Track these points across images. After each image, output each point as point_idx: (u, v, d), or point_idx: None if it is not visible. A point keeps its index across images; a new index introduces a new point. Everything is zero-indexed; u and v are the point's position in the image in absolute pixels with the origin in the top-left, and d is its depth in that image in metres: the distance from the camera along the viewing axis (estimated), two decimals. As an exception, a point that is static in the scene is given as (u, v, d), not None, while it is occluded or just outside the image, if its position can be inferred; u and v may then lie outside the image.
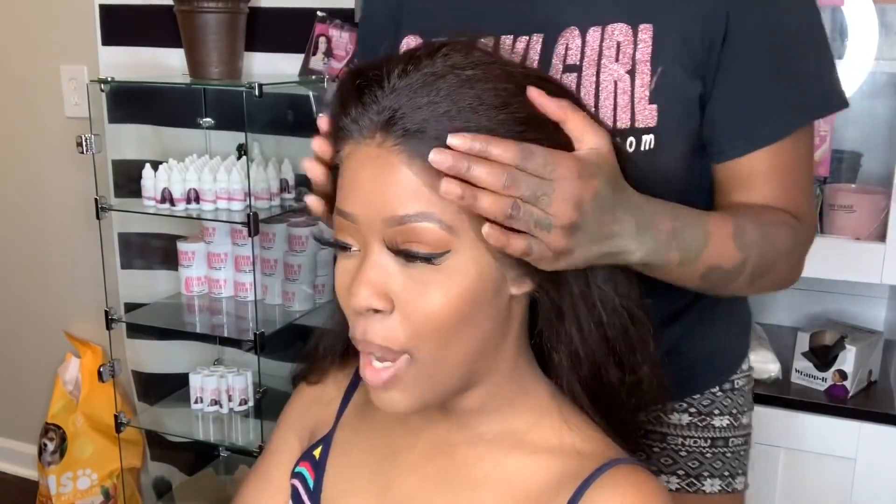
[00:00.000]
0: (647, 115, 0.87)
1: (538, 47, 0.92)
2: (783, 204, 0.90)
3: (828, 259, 1.64)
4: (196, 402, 2.12)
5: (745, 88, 0.89)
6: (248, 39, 2.04)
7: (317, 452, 0.87)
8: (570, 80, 0.89)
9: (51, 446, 2.43)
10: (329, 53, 2.01)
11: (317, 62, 2.03)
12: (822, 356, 1.75)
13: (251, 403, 2.13)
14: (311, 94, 2.00)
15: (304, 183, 2.04)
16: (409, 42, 0.98)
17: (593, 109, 0.88)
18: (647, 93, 0.87)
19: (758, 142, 0.89)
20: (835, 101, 0.94)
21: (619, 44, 0.88)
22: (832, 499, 1.70)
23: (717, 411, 1.07)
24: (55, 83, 2.39)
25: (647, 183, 0.81)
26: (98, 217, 1.96)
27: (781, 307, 1.99)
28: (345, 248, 0.73)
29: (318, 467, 0.86)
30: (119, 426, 2.10)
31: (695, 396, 1.06)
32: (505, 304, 0.74)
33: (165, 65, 2.19)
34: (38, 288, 2.63)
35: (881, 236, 1.64)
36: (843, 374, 1.72)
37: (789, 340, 1.82)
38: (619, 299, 0.78)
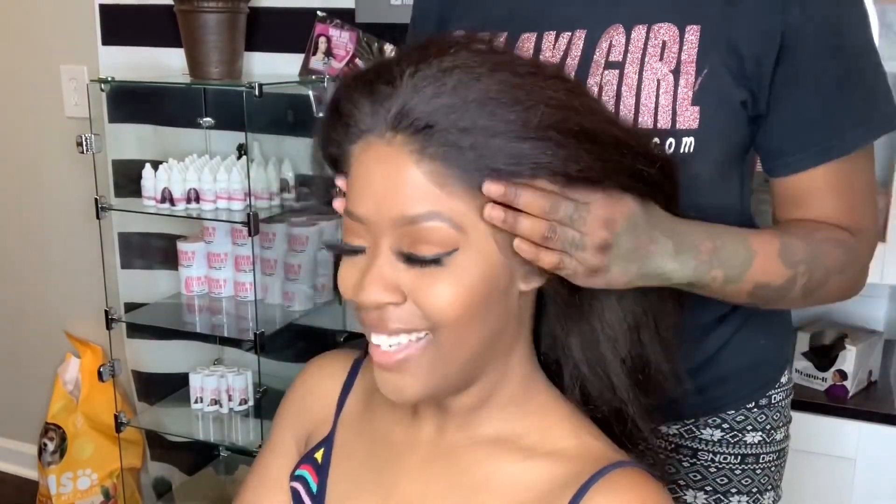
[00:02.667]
0: (689, 116, 0.86)
1: (580, 43, 0.91)
2: (841, 220, 0.89)
3: (828, 259, 1.63)
4: (196, 401, 2.12)
5: (811, 103, 0.87)
6: (248, 39, 2.04)
7: (318, 455, 0.87)
8: (611, 76, 0.89)
9: (51, 446, 2.43)
10: (329, 53, 2.01)
11: (317, 62, 2.03)
12: (822, 356, 1.75)
13: (251, 403, 2.12)
14: (311, 94, 2.00)
15: (304, 183, 2.04)
16: None
17: (631, 109, 0.87)
18: (691, 94, 0.86)
19: (824, 156, 0.88)
20: (894, 120, 0.92)
21: (664, 43, 0.87)
22: (832, 499, 1.70)
23: (749, 427, 1.04)
24: (55, 83, 2.39)
25: (685, 187, 0.81)
26: (98, 217, 1.96)
27: (781, 307, 1.99)
28: (357, 251, 0.73)
29: (322, 471, 0.86)
30: (119, 426, 2.10)
31: (729, 412, 1.03)
32: (515, 301, 0.74)
33: (165, 65, 2.19)
34: (38, 288, 2.63)
35: (881, 236, 1.64)
36: (843, 374, 1.72)
37: (789, 340, 1.82)
38: (633, 302, 0.79)
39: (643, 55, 0.88)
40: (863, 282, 0.94)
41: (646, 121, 0.87)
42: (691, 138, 0.86)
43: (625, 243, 0.74)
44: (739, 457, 1.04)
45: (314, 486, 0.85)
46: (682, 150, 0.87)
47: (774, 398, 1.05)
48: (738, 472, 1.04)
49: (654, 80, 0.87)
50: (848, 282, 0.91)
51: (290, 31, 2.05)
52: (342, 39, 2.00)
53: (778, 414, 1.06)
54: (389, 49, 1.96)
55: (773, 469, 1.07)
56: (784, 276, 0.84)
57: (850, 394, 1.72)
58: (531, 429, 0.78)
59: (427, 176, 0.68)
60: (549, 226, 0.69)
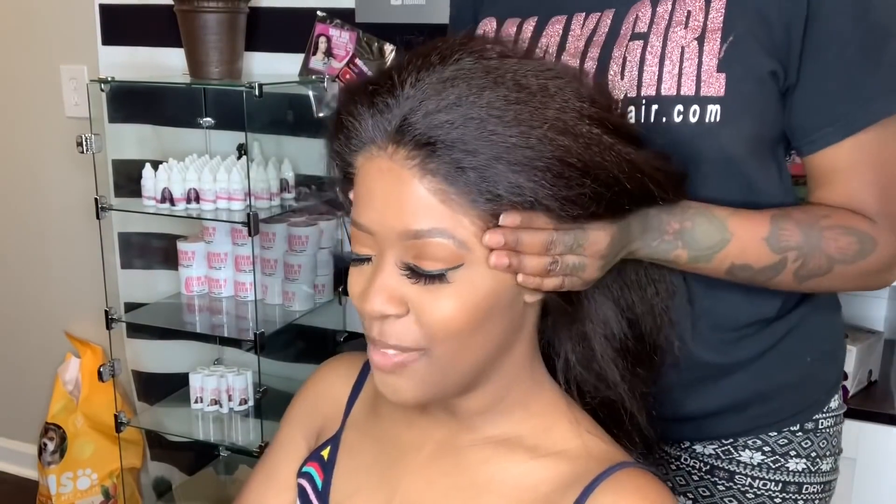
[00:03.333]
0: (715, 84, 0.85)
1: (608, 21, 0.91)
2: (867, 202, 0.86)
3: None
4: (196, 401, 2.12)
5: (836, 73, 0.85)
6: (248, 39, 2.03)
7: (325, 453, 0.87)
8: (636, 46, 0.88)
9: (51, 446, 2.43)
10: (329, 53, 2.01)
11: (317, 62, 2.03)
12: (822, 356, 1.74)
13: (251, 403, 2.12)
14: (311, 94, 2.00)
15: (304, 183, 2.04)
16: (487, 25, 0.99)
17: (655, 77, 0.86)
18: (716, 61, 0.84)
19: (849, 129, 0.85)
20: None
21: (689, 12, 0.86)
22: (832, 499, 1.69)
23: (793, 453, 0.98)
24: (55, 83, 2.39)
25: (708, 159, 0.82)
26: (98, 217, 1.96)
27: (781, 307, 1.99)
28: (364, 260, 0.73)
29: (327, 468, 0.86)
30: (119, 426, 2.10)
31: (771, 434, 0.97)
32: (519, 313, 0.74)
33: (165, 65, 2.19)
34: (38, 288, 2.63)
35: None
36: (843, 374, 1.72)
37: (789, 340, 1.81)
38: (620, 293, 0.81)
39: (668, 24, 0.87)
40: (889, 276, 0.89)
41: (670, 88, 0.85)
42: (717, 106, 0.84)
43: (616, 249, 0.76)
44: (781, 484, 0.98)
45: (320, 483, 0.86)
46: (707, 119, 0.85)
47: (822, 423, 0.99)
48: (777, 500, 0.98)
49: (678, 48, 0.86)
50: (863, 273, 0.87)
51: (290, 31, 2.05)
52: (342, 39, 2.00)
53: (825, 441, 0.99)
54: (389, 49, 1.96)
55: (816, 502, 1.00)
56: (768, 260, 0.84)
57: (850, 394, 1.72)
58: (536, 429, 0.78)
59: (430, 191, 0.67)
60: (552, 260, 0.71)
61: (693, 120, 0.84)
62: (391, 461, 0.83)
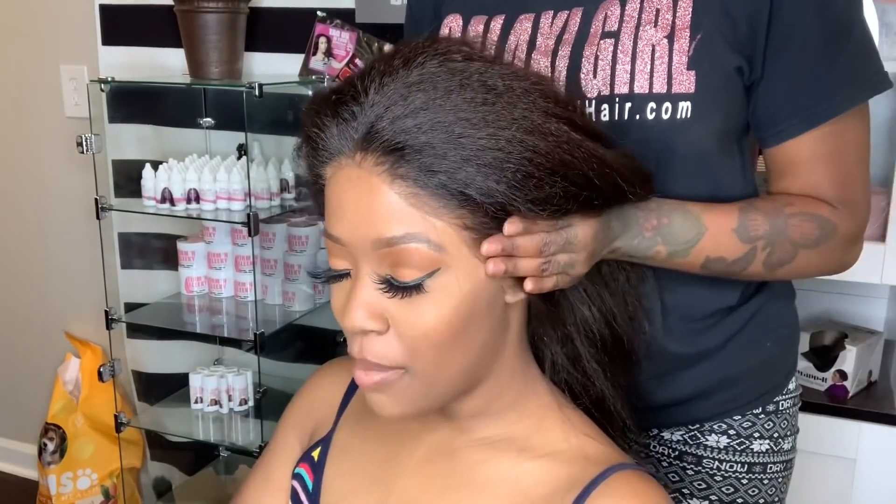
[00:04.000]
0: (685, 81, 0.86)
1: (577, 19, 0.92)
2: (828, 191, 0.89)
3: (828, 259, 1.64)
4: (196, 402, 2.12)
5: (798, 67, 0.87)
6: (248, 39, 2.03)
7: (315, 454, 0.87)
8: (607, 45, 0.89)
9: (51, 446, 2.43)
10: (329, 53, 2.01)
11: (317, 62, 2.03)
12: (822, 356, 1.75)
13: (251, 403, 2.12)
14: (311, 94, 2.00)
15: (303, 183, 2.04)
16: (452, 22, 0.99)
17: (627, 75, 0.87)
18: (686, 59, 0.86)
19: (813, 121, 0.88)
20: (882, 82, 0.91)
21: (658, 10, 0.88)
22: (832, 499, 1.70)
23: (757, 435, 1.02)
24: (55, 83, 2.39)
25: (680, 154, 0.85)
26: (98, 217, 1.96)
27: (781, 307, 1.99)
28: (339, 277, 0.72)
29: (317, 469, 0.86)
30: (119, 426, 2.10)
31: (735, 418, 1.02)
32: (501, 313, 0.74)
33: (165, 65, 2.19)
34: (38, 288, 2.63)
35: (881, 236, 1.64)
36: (843, 374, 1.72)
37: (789, 340, 1.81)
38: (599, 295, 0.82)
39: (638, 23, 0.88)
40: (849, 258, 0.93)
41: (642, 86, 0.87)
42: (688, 103, 0.86)
43: (601, 244, 0.78)
44: (746, 465, 1.02)
45: (310, 485, 0.85)
46: (678, 116, 0.87)
47: (782, 405, 1.04)
48: (744, 481, 1.02)
49: (649, 46, 0.87)
50: (824, 257, 0.90)
51: (290, 31, 2.05)
52: (342, 39, 2.00)
53: (786, 422, 1.04)
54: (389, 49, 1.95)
55: (780, 480, 1.05)
56: (739, 251, 0.86)
57: (851, 394, 1.73)
58: (530, 431, 0.78)
59: (401, 196, 0.67)
60: (545, 260, 0.72)
61: (665, 117, 0.86)
62: (384, 462, 0.83)
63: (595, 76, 0.89)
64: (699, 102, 0.86)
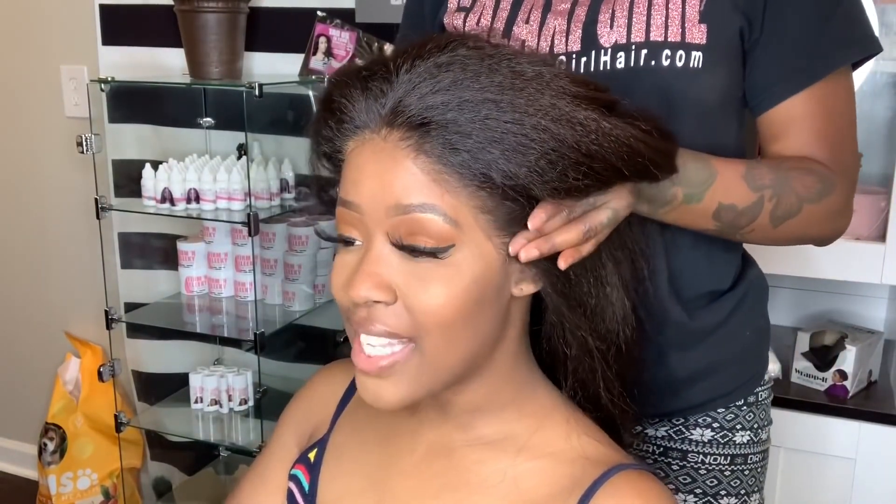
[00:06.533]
0: (698, 33, 0.90)
1: None
2: (818, 153, 0.92)
3: (828, 259, 1.64)
4: (196, 401, 2.12)
5: (790, 29, 0.91)
6: (248, 39, 2.04)
7: (312, 455, 0.87)
8: (623, 0, 0.92)
9: (51, 446, 2.43)
10: (329, 53, 2.01)
11: (317, 62, 2.03)
12: (822, 356, 1.75)
13: (251, 403, 2.12)
14: (311, 94, 2.00)
15: (304, 183, 2.04)
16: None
17: (643, 26, 0.90)
18: (697, 13, 0.90)
19: (803, 82, 0.91)
20: (872, 44, 0.95)
21: None
22: (832, 499, 1.70)
23: (739, 426, 1.05)
24: (55, 83, 2.39)
25: (689, 101, 0.88)
26: (98, 217, 1.96)
27: (781, 307, 1.99)
28: (349, 242, 0.72)
29: (313, 470, 0.86)
30: (119, 426, 2.10)
31: (719, 411, 1.04)
32: (505, 305, 0.73)
33: (165, 65, 2.19)
34: (38, 288, 2.63)
35: (881, 236, 1.64)
36: (843, 374, 1.72)
37: (789, 340, 1.81)
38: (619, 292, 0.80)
39: None
40: (841, 223, 0.95)
41: (658, 34, 0.91)
42: (700, 53, 0.90)
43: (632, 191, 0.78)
44: (729, 457, 1.04)
45: (307, 486, 0.85)
46: (691, 65, 0.90)
47: (761, 395, 1.07)
48: (727, 473, 1.05)
49: (663, 0, 0.92)
50: (826, 213, 0.92)
51: (290, 31, 2.05)
52: (342, 39, 2.00)
53: (763, 413, 1.08)
54: (389, 49, 1.96)
55: (759, 470, 1.08)
56: (749, 199, 0.87)
57: (850, 394, 1.73)
58: (530, 430, 0.78)
59: (423, 170, 0.67)
60: (584, 225, 0.71)
61: (679, 64, 0.90)
62: (382, 463, 0.83)
63: (611, 27, 0.92)
64: (709, 54, 0.90)
